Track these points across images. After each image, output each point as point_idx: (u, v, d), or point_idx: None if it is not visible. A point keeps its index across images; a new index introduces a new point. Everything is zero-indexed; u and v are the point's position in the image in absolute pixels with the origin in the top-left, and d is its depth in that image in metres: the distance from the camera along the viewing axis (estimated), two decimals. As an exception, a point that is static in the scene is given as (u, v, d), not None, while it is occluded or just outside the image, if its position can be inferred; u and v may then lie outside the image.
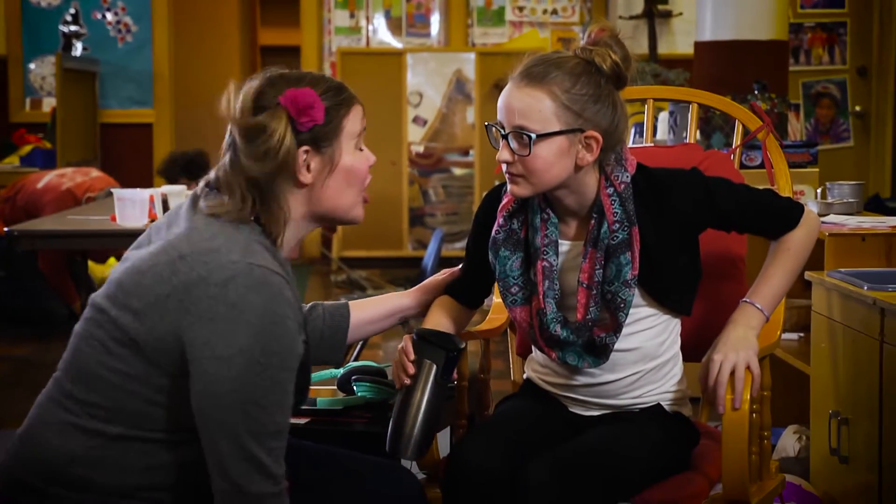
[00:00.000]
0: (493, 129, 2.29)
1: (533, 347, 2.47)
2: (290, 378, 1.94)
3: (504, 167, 2.27)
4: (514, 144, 2.24)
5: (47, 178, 6.38)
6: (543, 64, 2.24)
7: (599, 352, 2.30)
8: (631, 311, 2.29)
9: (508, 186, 2.29)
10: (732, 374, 2.23)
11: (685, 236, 2.33)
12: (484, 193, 8.37)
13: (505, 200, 2.37)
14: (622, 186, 2.28)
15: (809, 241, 2.40)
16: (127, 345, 1.96)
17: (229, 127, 2.04)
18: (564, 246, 2.34)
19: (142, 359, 1.95)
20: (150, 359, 1.95)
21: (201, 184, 2.07)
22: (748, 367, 2.24)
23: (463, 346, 2.28)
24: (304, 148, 2.02)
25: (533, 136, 2.21)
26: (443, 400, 2.27)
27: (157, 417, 1.97)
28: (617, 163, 2.29)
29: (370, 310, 2.49)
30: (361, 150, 2.12)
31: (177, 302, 1.92)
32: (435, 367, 2.24)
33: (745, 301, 2.34)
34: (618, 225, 2.26)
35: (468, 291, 2.51)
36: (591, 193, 2.29)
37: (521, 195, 2.28)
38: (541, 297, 2.30)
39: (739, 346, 2.26)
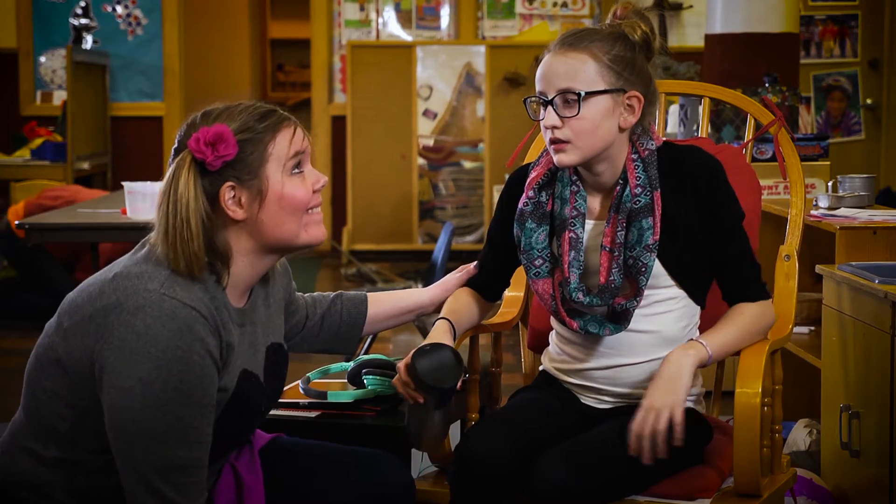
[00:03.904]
0: (532, 102, 2.33)
1: (550, 338, 2.50)
2: (196, 414, 1.91)
3: (549, 135, 2.30)
4: (560, 108, 2.27)
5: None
6: (580, 33, 2.32)
7: (620, 318, 2.31)
8: (651, 291, 2.31)
9: (555, 156, 2.31)
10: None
11: (702, 216, 2.34)
12: (494, 187, 8.27)
13: (534, 174, 2.40)
14: (646, 153, 2.33)
15: (762, 322, 2.36)
16: (55, 363, 1.97)
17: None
18: (589, 224, 2.36)
19: (67, 380, 1.95)
20: (72, 380, 1.95)
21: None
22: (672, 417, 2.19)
23: (456, 383, 2.23)
24: (229, 183, 1.98)
25: (581, 93, 2.26)
26: (453, 403, 2.29)
27: (86, 441, 1.96)
28: (643, 133, 2.35)
29: (388, 305, 2.49)
30: (300, 172, 2.05)
31: (95, 325, 1.92)
32: (435, 400, 2.24)
33: (691, 339, 2.30)
34: (640, 189, 2.30)
35: (489, 281, 2.52)
36: (621, 163, 2.34)
37: (569, 163, 2.31)
38: (565, 266, 2.32)
39: (667, 394, 2.19)
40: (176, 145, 2.02)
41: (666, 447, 2.18)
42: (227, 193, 1.98)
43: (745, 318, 2.34)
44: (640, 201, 2.30)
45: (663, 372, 2.22)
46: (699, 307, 2.41)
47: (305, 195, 2.05)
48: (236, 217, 2.00)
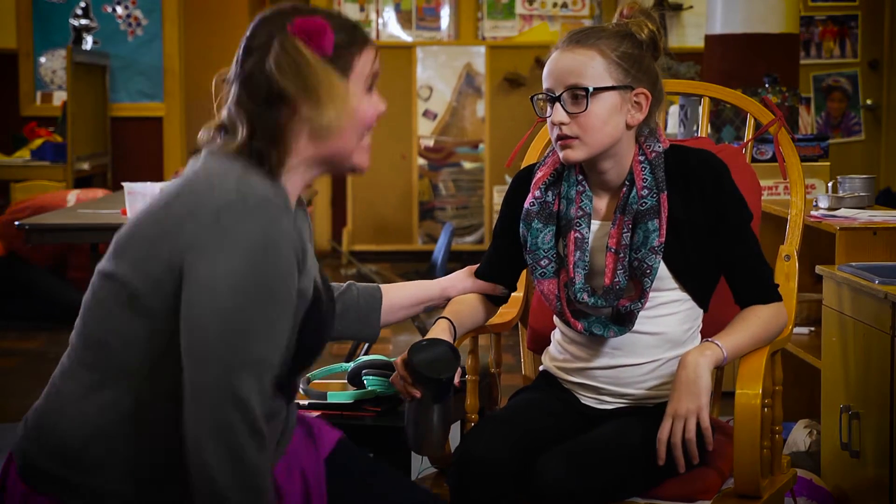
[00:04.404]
0: (539, 99, 2.34)
1: (552, 337, 2.50)
2: (280, 313, 1.84)
3: (556, 132, 2.30)
4: (568, 104, 2.28)
5: (72, 196, 6.42)
6: (587, 30, 2.33)
7: (625, 320, 2.31)
8: (655, 293, 2.31)
9: (561, 153, 2.32)
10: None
11: (708, 218, 2.34)
12: (494, 187, 8.26)
13: (539, 174, 2.41)
14: (653, 155, 2.33)
15: (776, 324, 2.36)
16: (127, 303, 1.88)
17: (237, 59, 1.95)
18: (594, 225, 2.37)
19: (143, 317, 1.86)
20: (150, 315, 1.86)
21: (202, 133, 1.98)
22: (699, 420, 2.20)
23: (453, 374, 2.23)
24: None
25: (590, 88, 2.26)
26: (452, 400, 2.29)
27: (168, 385, 1.86)
28: (650, 135, 2.35)
29: (402, 295, 2.47)
30: (371, 93, 2.02)
31: (170, 240, 1.84)
32: (432, 393, 2.24)
33: (706, 340, 2.29)
34: (646, 191, 2.30)
35: (494, 282, 2.51)
36: (628, 163, 2.34)
37: (576, 159, 2.31)
38: (570, 267, 2.32)
39: (690, 399, 2.20)
40: (251, 30, 1.95)
41: (697, 453, 2.20)
42: None
43: (758, 319, 2.33)
44: (646, 203, 2.30)
45: (682, 376, 2.22)
46: (700, 312, 2.41)
47: (372, 115, 2.02)
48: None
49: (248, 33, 1.97)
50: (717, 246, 2.34)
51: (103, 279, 1.94)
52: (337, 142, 1.97)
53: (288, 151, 1.95)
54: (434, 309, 2.52)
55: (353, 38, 1.97)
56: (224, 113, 1.97)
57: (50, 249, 6.52)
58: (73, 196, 6.54)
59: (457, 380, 2.27)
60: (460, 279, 2.52)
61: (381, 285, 2.47)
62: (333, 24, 1.95)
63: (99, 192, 6.66)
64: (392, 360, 2.64)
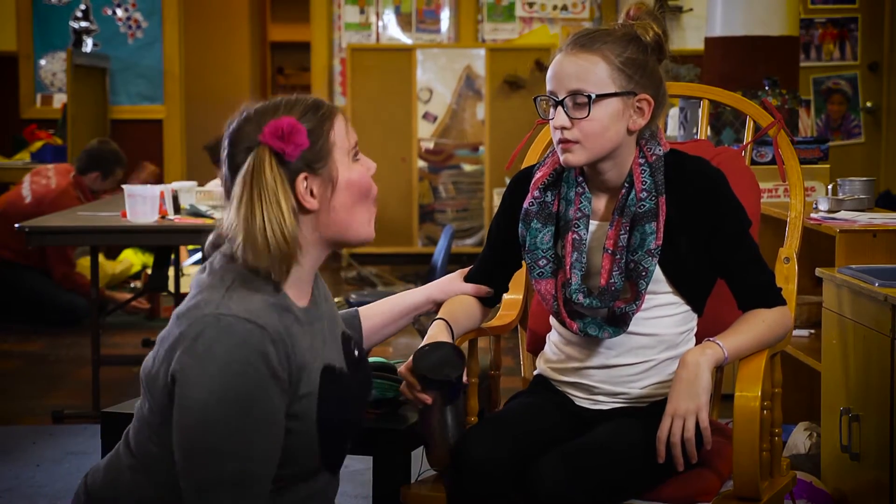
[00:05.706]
0: (542, 101, 2.34)
1: (548, 339, 2.50)
2: (257, 427, 1.89)
3: (558, 135, 2.31)
4: (570, 109, 2.28)
5: (26, 191, 6.44)
6: (592, 33, 2.32)
7: (619, 321, 2.31)
8: (650, 296, 2.31)
9: (561, 156, 2.32)
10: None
11: (705, 224, 2.34)
12: (494, 190, 8.27)
13: (539, 174, 2.41)
14: (653, 158, 2.33)
15: (780, 327, 2.36)
16: (146, 421, 2.00)
17: (223, 172, 2.01)
18: (592, 225, 2.37)
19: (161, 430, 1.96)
20: (161, 424, 1.95)
21: (211, 237, 2.04)
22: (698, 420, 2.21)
23: (461, 374, 2.24)
24: (303, 174, 1.97)
25: (592, 95, 2.26)
26: (463, 400, 2.30)
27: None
28: (651, 137, 2.35)
29: (385, 314, 2.47)
30: (358, 160, 2.06)
31: (166, 363, 1.92)
32: (442, 396, 2.25)
33: (708, 339, 2.29)
34: (645, 194, 2.30)
35: (487, 283, 2.51)
36: (628, 165, 2.34)
37: (576, 163, 2.31)
38: (567, 268, 2.32)
39: (689, 398, 2.20)
40: (228, 148, 1.99)
41: (696, 452, 2.20)
42: (301, 185, 1.97)
43: (762, 322, 2.33)
44: (644, 206, 2.30)
45: (682, 375, 2.22)
46: (695, 316, 2.41)
47: (369, 180, 2.07)
48: (311, 207, 1.99)
49: (224, 150, 2.00)
50: (717, 254, 2.34)
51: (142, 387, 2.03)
52: (345, 218, 2.03)
53: (297, 250, 1.98)
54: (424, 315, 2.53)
55: (320, 117, 2.00)
56: (224, 219, 1.99)
57: (33, 250, 6.51)
58: (26, 179, 6.57)
59: (465, 378, 2.28)
60: (447, 283, 2.52)
61: (360, 309, 2.46)
62: (299, 113, 1.98)
63: (50, 168, 6.67)
64: (392, 362, 2.64)
